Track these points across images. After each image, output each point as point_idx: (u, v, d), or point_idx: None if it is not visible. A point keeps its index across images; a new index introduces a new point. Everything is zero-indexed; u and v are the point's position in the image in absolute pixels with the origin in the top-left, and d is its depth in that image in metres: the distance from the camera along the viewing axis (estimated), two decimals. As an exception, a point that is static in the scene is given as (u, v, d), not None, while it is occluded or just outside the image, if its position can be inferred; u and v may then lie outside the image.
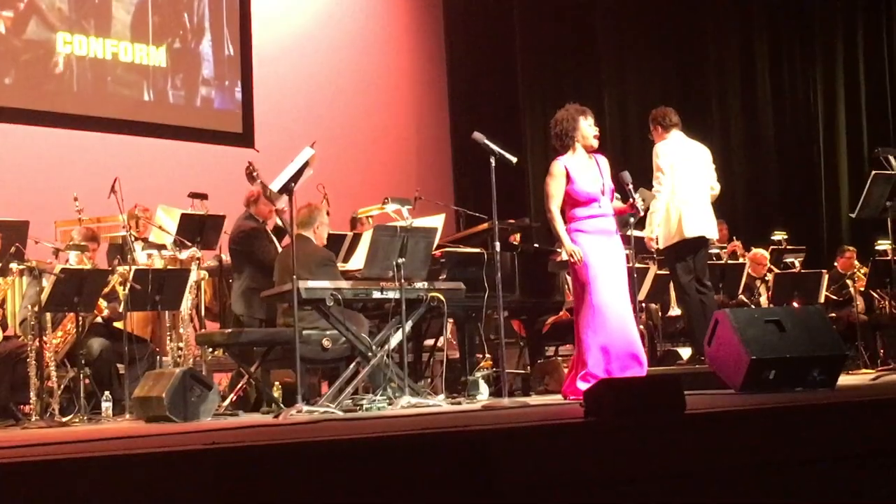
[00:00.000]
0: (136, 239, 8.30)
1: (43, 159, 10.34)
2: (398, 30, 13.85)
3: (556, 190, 6.58)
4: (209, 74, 11.96)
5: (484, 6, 13.71)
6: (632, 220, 7.52)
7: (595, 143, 6.70)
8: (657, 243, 7.69)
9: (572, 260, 6.50)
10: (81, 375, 7.05)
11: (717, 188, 7.86)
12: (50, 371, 7.07)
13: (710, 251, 8.44)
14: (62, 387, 7.14)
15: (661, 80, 13.79)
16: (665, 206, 7.58)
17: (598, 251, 6.51)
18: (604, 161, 6.76)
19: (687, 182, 7.65)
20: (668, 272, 9.76)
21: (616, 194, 6.78)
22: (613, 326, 6.42)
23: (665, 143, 7.72)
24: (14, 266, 7.23)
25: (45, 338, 7.06)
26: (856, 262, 11.11)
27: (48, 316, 7.12)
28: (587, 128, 6.66)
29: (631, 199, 6.71)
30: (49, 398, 7.02)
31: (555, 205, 6.58)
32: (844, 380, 6.70)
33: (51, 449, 4.13)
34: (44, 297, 6.95)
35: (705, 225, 7.70)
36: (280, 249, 7.91)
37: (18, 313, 7.42)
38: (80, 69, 10.94)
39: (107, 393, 7.16)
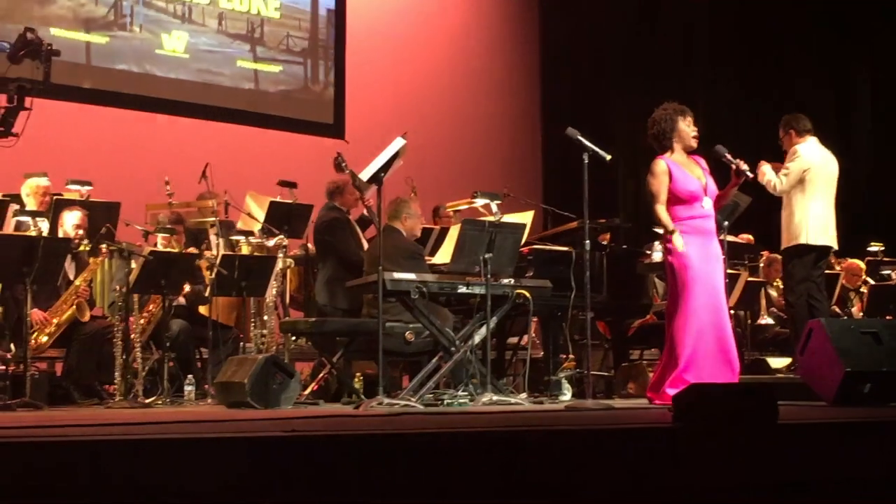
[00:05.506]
0: (224, 225, 8.34)
1: (137, 143, 10.45)
2: (493, 22, 13.78)
3: (660, 188, 6.37)
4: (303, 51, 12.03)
5: (579, 3, 13.57)
6: (725, 224, 7.33)
7: (694, 144, 6.49)
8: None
9: (676, 250, 6.27)
10: (165, 358, 7.10)
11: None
12: (136, 353, 7.13)
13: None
14: (146, 368, 7.20)
15: (754, 87, 13.44)
16: (794, 206, 7.59)
17: (698, 252, 6.32)
18: (702, 163, 6.56)
19: (820, 188, 7.71)
20: (760, 279, 9.54)
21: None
22: (709, 330, 6.25)
23: (805, 145, 7.75)
24: (104, 246, 7.30)
25: (131, 319, 7.13)
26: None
27: (135, 297, 7.18)
28: (686, 128, 6.46)
29: (733, 167, 6.45)
30: (133, 379, 7.08)
31: (660, 203, 6.36)
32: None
33: (133, 429, 4.16)
34: (132, 278, 7.01)
35: (830, 235, 7.73)
36: (363, 240, 7.89)
37: (107, 295, 7.50)
38: (176, 55, 11.05)
39: (190, 376, 7.21)
